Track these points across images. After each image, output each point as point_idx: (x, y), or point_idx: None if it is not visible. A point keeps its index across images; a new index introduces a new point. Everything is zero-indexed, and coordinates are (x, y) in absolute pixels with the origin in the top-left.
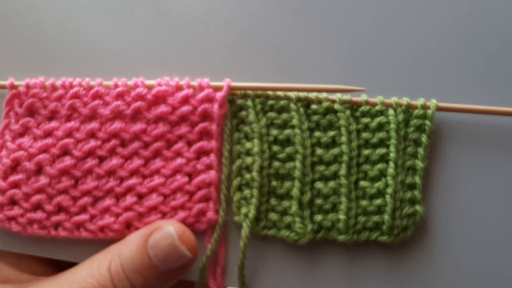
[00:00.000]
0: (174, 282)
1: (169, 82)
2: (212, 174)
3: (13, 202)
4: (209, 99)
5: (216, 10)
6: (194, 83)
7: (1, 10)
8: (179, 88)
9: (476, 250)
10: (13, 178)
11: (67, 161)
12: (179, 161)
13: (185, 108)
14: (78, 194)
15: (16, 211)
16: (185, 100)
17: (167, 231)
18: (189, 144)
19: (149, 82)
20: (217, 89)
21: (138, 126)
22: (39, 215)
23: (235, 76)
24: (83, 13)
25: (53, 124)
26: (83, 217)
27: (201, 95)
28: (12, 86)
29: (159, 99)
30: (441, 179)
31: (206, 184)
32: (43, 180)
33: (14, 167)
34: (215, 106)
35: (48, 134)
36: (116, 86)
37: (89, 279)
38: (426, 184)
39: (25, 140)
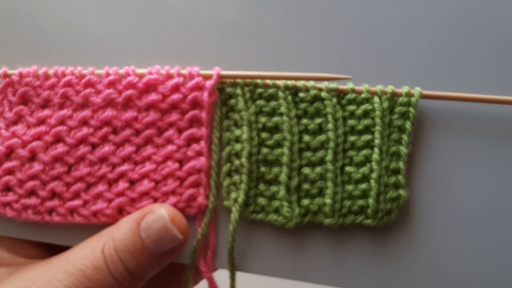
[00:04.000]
0: (165, 264)
1: (159, 70)
2: (202, 161)
3: (7, 188)
4: (199, 87)
5: None
6: (184, 71)
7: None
8: (169, 76)
9: (457, 233)
10: (8, 165)
11: (60, 148)
12: (170, 148)
13: (176, 96)
14: (71, 180)
15: (10, 197)
16: (176, 88)
17: (159, 214)
18: (180, 131)
19: (140, 70)
20: (207, 77)
21: (129, 114)
22: (33, 200)
23: (224, 64)
24: (75, 2)
25: (46, 112)
26: (76, 202)
27: (191, 83)
28: (5, 75)
29: (150, 87)
30: (424, 165)
31: (197, 170)
32: (36, 166)
33: (9, 154)
34: (205, 94)
35: (41, 121)
36: (107, 74)
37: (83, 261)
38: (410, 170)
39: (19, 128)
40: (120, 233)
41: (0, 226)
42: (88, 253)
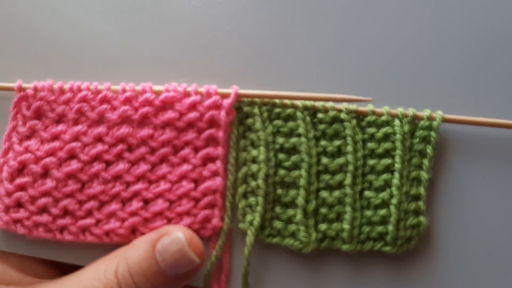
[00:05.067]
0: (180, 287)
1: (176, 88)
2: (218, 181)
3: (19, 204)
4: (216, 106)
5: (225, 17)
6: (202, 89)
7: (11, 13)
8: (186, 94)
9: (480, 262)
10: (20, 180)
11: (74, 164)
12: (186, 167)
13: (192, 115)
14: (84, 198)
15: (22, 213)
16: (193, 106)
17: (176, 236)
18: (196, 150)
19: (156, 87)
20: (224, 96)
21: (145, 132)
22: (44, 218)
23: (242, 83)
24: (93, 17)
25: (61, 127)
26: (89, 221)
27: (208, 101)
28: (20, 89)
29: (167, 104)
30: (446, 191)
31: (212, 191)
32: (49, 183)
33: (21, 169)
34: (222, 113)
35: (55, 137)
36: (124, 91)
37: (95, 282)
38: (431, 195)
39: (32, 143)
40: (134, 255)
41: (9, 242)
42: (101, 275)
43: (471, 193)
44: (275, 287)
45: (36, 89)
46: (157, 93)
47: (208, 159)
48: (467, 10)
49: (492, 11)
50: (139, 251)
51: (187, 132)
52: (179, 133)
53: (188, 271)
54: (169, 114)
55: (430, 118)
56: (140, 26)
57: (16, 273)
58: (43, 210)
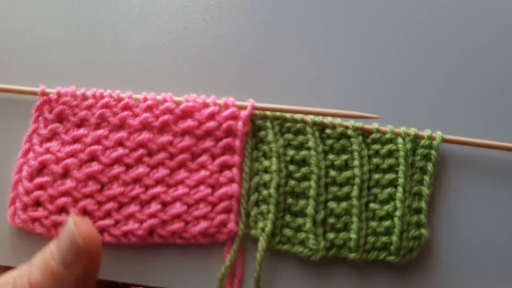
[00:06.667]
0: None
1: (196, 99)
2: (234, 187)
3: (37, 203)
4: (234, 117)
5: (239, 35)
6: (220, 101)
7: (37, 21)
8: (205, 105)
9: (477, 274)
10: (39, 180)
11: (95, 166)
12: (203, 173)
13: (211, 124)
14: (104, 199)
15: (40, 212)
16: (211, 116)
17: (67, 224)
18: (213, 157)
19: (175, 98)
20: (240, 108)
21: (165, 138)
22: (63, 218)
23: (255, 97)
24: (117, 28)
25: (82, 131)
26: (108, 221)
27: (226, 112)
28: (43, 93)
29: (186, 114)
30: (445, 206)
31: (228, 197)
32: (69, 183)
33: (41, 169)
34: (239, 124)
35: (76, 140)
36: (145, 99)
37: None
38: (431, 210)
39: (53, 145)
40: (34, 262)
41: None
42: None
43: (469, 208)
44: None
45: (59, 94)
46: (177, 103)
47: (225, 167)
48: (469, 35)
49: (494, 37)
50: (38, 257)
51: (205, 140)
52: (197, 141)
53: (76, 261)
54: (189, 123)
55: (431, 138)
56: (161, 42)
57: None
58: (62, 209)
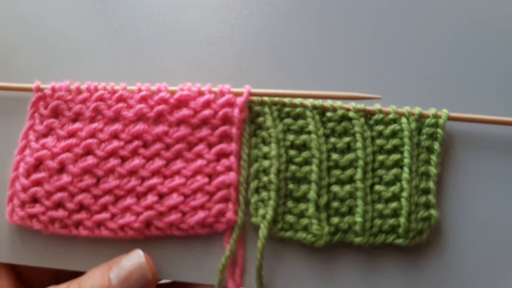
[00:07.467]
0: None
1: (191, 87)
2: (232, 176)
3: (34, 200)
4: (230, 104)
5: (236, 20)
6: (215, 89)
7: (29, 16)
8: (200, 93)
9: (490, 252)
10: (36, 176)
11: (90, 160)
12: (200, 162)
13: (207, 112)
14: (100, 192)
15: (37, 208)
16: (207, 104)
17: (136, 253)
18: (210, 146)
19: (171, 88)
20: (236, 95)
21: (160, 128)
22: (60, 213)
23: (252, 83)
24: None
25: (77, 125)
26: (104, 215)
27: (222, 100)
28: (38, 89)
29: (182, 103)
30: (454, 185)
31: (226, 185)
32: (65, 178)
33: (37, 166)
34: (236, 111)
35: (71, 134)
36: (140, 90)
37: None
38: (440, 190)
39: (49, 140)
40: (88, 279)
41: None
42: None
43: (479, 187)
44: (288, 280)
45: (54, 89)
46: (172, 93)
47: (222, 155)
48: (471, 12)
49: (496, 13)
50: (95, 275)
51: (201, 129)
52: (193, 130)
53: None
54: (184, 112)
55: (436, 116)
56: (153, 30)
57: None
58: (59, 205)
